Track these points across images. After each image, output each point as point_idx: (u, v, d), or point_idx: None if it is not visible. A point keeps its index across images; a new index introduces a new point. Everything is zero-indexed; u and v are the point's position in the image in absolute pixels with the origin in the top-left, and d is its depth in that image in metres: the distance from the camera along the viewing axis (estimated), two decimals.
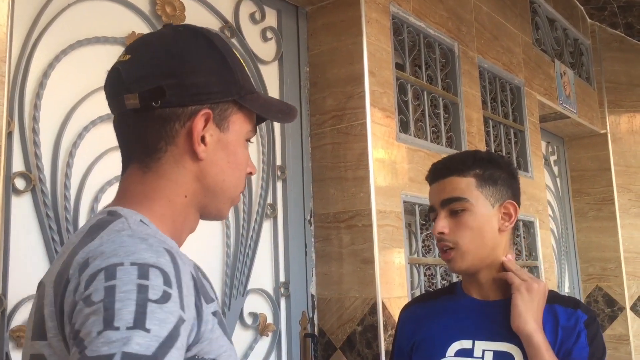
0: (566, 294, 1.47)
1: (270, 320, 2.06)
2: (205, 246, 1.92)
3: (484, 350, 1.31)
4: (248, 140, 0.90)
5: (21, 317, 1.43)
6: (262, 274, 2.08)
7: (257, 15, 2.20)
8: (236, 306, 1.95)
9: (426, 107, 2.51)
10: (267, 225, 2.12)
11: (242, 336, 1.98)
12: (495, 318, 1.34)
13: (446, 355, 1.34)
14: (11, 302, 1.42)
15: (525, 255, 3.10)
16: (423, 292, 2.37)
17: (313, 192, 2.25)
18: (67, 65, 1.61)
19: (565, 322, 1.30)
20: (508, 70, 3.16)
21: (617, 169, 4.12)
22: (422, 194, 2.35)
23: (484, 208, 1.34)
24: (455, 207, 1.34)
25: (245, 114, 0.88)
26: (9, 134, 1.46)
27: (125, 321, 0.62)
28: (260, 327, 2.02)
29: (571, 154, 4.25)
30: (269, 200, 2.14)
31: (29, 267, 1.47)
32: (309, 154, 2.27)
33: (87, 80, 1.63)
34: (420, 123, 2.50)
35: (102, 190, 1.63)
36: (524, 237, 3.11)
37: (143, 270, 0.67)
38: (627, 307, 3.97)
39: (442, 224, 1.34)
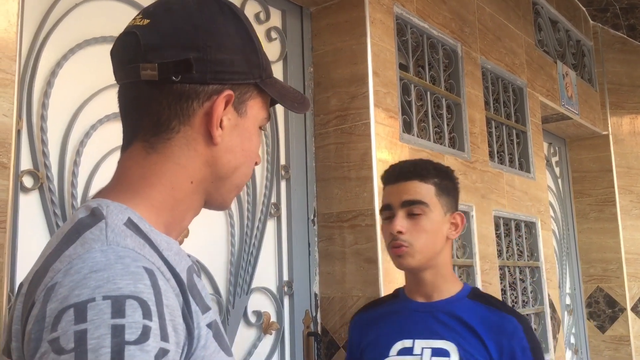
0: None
1: (273, 318, 2.08)
2: (210, 245, 1.93)
3: (422, 348, 1.40)
4: (261, 128, 0.84)
5: None
6: (266, 273, 2.09)
7: (262, 16, 2.21)
8: (240, 304, 1.97)
9: (429, 108, 2.52)
10: (271, 225, 2.14)
11: (245, 334, 1.99)
12: (434, 317, 1.43)
13: (389, 355, 1.43)
14: None
15: (527, 255, 3.11)
16: None
17: (317, 192, 2.27)
18: (75, 64, 1.62)
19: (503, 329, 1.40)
20: (511, 71, 3.17)
21: (619, 170, 4.13)
22: None
23: (438, 215, 1.44)
24: (414, 210, 1.42)
25: (263, 99, 0.82)
26: (18, 132, 1.47)
27: None
28: (263, 326, 2.04)
29: (573, 155, 4.26)
30: (273, 199, 2.15)
31: None
32: (312, 154, 2.28)
33: (94, 79, 1.65)
34: (423, 123, 2.51)
35: None
36: (525, 238, 3.12)
37: (118, 306, 0.59)
38: (628, 308, 3.98)
39: (401, 223, 1.42)
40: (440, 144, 2.56)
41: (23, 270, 1.45)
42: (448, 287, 1.46)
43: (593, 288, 4.11)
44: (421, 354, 1.39)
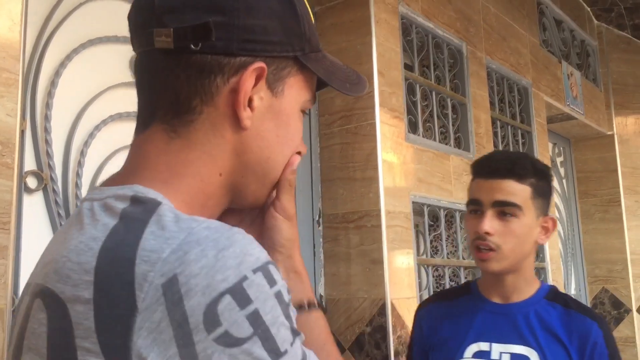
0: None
1: None
2: None
3: (501, 353, 1.32)
4: (304, 112, 0.71)
5: None
6: None
7: None
8: None
9: (434, 108, 2.50)
10: None
11: None
12: (513, 320, 1.35)
13: (464, 357, 1.35)
14: None
15: None
16: (431, 293, 2.36)
17: (322, 193, 2.25)
18: (79, 64, 1.61)
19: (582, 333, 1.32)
20: (516, 71, 3.15)
21: (624, 170, 4.11)
22: (431, 195, 2.34)
23: (531, 219, 1.33)
24: (507, 210, 1.31)
25: (306, 77, 0.69)
26: (21, 133, 1.46)
27: (288, 341, 0.54)
28: None
29: (578, 156, 4.24)
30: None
31: None
32: (317, 154, 2.27)
33: (98, 79, 1.63)
34: (428, 123, 2.49)
35: None
36: None
37: (267, 274, 0.55)
38: (634, 309, 3.95)
39: (490, 224, 1.31)
40: (446, 144, 2.54)
41: (28, 271, 1.43)
42: (527, 288, 1.38)
43: (598, 289, 4.08)
44: (499, 359, 1.32)
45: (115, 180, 0.65)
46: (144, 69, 0.66)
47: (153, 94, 0.65)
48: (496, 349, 1.33)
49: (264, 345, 0.52)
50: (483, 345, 1.34)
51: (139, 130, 0.67)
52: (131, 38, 0.68)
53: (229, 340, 0.51)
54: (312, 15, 0.70)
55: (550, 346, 1.30)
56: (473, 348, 1.35)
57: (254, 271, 0.54)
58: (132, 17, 0.67)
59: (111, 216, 0.58)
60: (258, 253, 0.55)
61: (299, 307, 0.69)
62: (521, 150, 3.17)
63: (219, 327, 0.51)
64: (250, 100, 0.63)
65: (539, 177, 1.35)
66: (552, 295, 1.38)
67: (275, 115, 0.66)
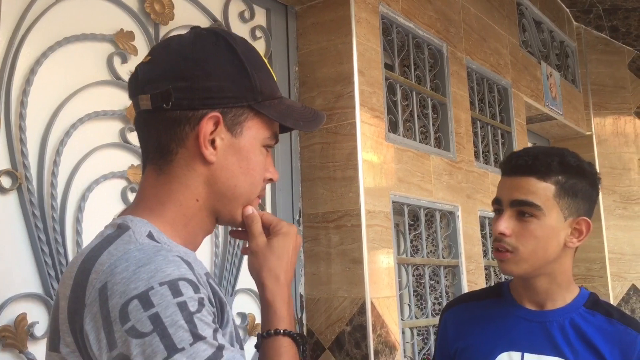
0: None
1: (259, 320, 2.05)
2: None
3: None
4: (267, 147, 0.89)
5: (6, 317, 1.41)
6: None
7: (247, 14, 2.19)
8: None
9: (415, 108, 2.51)
10: None
11: None
12: (547, 329, 1.26)
13: None
14: None
15: None
16: (412, 292, 2.37)
17: (302, 192, 2.25)
18: (55, 62, 1.59)
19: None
20: (495, 71, 3.18)
21: (602, 170, 4.16)
22: (411, 194, 2.35)
23: (554, 220, 1.22)
24: (525, 210, 1.22)
25: (264, 120, 0.86)
26: None
27: (186, 341, 0.69)
28: (249, 327, 2.01)
29: None
30: None
31: (15, 266, 1.45)
32: (298, 154, 2.26)
33: (75, 77, 1.61)
34: (408, 123, 2.50)
35: (89, 189, 1.61)
36: None
37: (174, 287, 0.70)
38: None
39: (506, 224, 1.23)
40: (426, 143, 2.55)
41: (1, 272, 1.41)
42: (563, 294, 1.27)
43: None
44: None
45: (124, 211, 0.88)
46: (138, 126, 0.87)
47: (145, 143, 0.86)
48: (528, 359, 1.24)
49: (162, 340, 0.68)
50: (514, 355, 1.25)
51: (142, 170, 0.89)
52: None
53: (135, 333, 0.68)
54: (270, 70, 0.89)
55: (587, 358, 1.21)
56: (503, 357, 1.26)
57: (161, 284, 0.70)
58: (128, 89, 0.88)
59: (100, 238, 0.80)
60: (171, 271, 0.72)
61: (265, 334, 0.86)
62: (501, 150, 3.19)
63: (128, 321, 0.69)
64: (213, 141, 0.83)
65: (568, 174, 1.23)
66: (591, 303, 1.28)
67: (236, 151, 0.85)
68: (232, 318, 0.85)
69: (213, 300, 0.78)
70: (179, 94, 0.81)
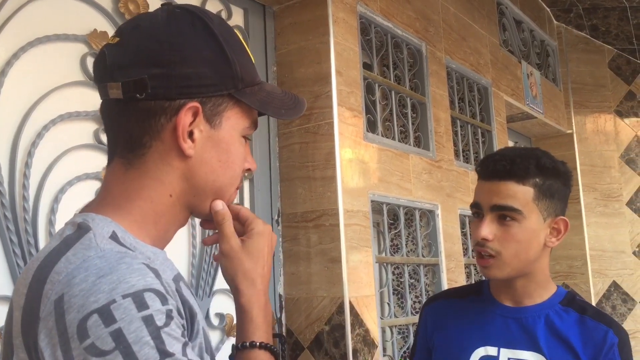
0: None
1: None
2: (171, 246, 1.89)
3: (509, 358, 1.27)
4: (246, 137, 0.83)
5: None
6: None
7: (224, 14, 2.18)
8: (202, 307, 1.93)
9: (394, 107, 2.52)
10: None
11: None
12: (523, 325, 1.29)
13: None
14: None
15: None
16: (391, 291, 2.38)
17: (280, 192, 2.25)
18: (27, 63, 1.57)
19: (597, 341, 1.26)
20: (475, 70, 3.19)
21: (583, 168, 4.20)
22: (390, 194, 2.36)
23: (535, 222, 1.25)
24: (506, 215, 1.24)
25: (244, 108, 0.80)
26: None
27: (152, 359, 0.63)
28: (226, 328, 2.01)
29: None
30: (236, 200, 2.12)
31: None
32: (276, 154, 2.26)
33: (47, 78, 1.60)
34: (388, 123, 2.51)
35: (62, 190, 1.60)
36: None
37: (139, 300, 0.64)
38: (593, 303, 4.04)
39: (488, 229, 1.24)
40: (406, 143, 2.56)
41: None
42: (540, 292, 1.31)
43: (559, 285, 4.16)
44: None
45: (86, 206, 0.80)
46: (105, 114, 0.80)
47: (113, 134, 0.79)
48: (504, 354, 1.27)
49: (125, 359, 0.62)
50: (491, 350, 1.29)
51: (107, 165, 0.81)
52: (97, 87, 0.80)
53: (95, 351, 0.62)
54: (249, 53, 0.82)
55: (561, 353, 1.25)
56: (480, 352, 1.29)
57: (124, 296, 0.64)
58: (93, 72, 0.80)
59: (58, 240, 0.72)
60: (135, 281, 0.65)
61: (240, 346, 0.81)
62: (482, 149, 3.21)
63: (87, 338, 0.62)
64: (191, 133, 0.76)
65: (545, 176, 1.25)
66: (567, 300, 1.32)
67: (215, 143, 0.79)
68: (203, 327, 0.80)
69: (182, 310, 0.72)
70: (154, 82, 0.73)
